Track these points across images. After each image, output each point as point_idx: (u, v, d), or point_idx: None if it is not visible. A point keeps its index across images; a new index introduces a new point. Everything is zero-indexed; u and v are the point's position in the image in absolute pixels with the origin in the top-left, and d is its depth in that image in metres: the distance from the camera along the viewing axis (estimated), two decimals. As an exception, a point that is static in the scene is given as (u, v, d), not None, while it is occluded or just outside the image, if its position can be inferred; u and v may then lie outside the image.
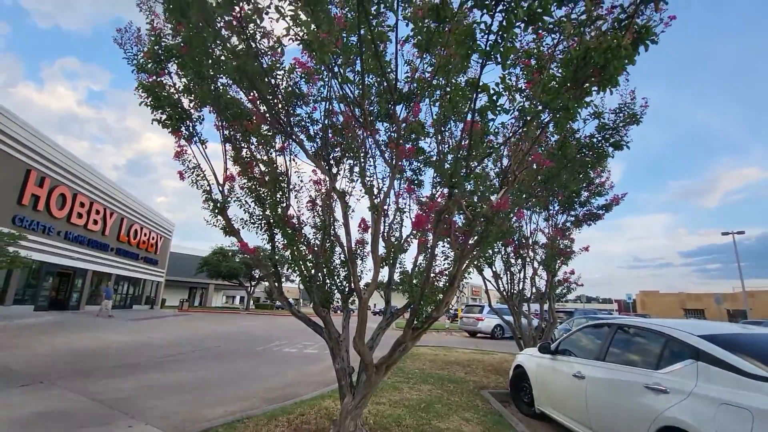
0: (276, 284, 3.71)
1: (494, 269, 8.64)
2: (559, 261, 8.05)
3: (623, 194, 7.84)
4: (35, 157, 18.99)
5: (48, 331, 13.00)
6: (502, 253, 8.48)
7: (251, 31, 2.22)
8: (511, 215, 2.61)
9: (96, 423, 4.26)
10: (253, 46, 2.29)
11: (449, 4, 1.59)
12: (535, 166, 3.18)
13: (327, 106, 4.08)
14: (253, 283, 41.57)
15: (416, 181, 4.70)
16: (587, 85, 1.73)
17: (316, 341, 12.27)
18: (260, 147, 4.07)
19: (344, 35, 2.52)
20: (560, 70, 1.78)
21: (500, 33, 1.52)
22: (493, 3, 1.49)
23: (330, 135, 4.16)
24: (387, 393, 5.62)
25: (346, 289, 3.99)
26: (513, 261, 8.53)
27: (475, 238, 2.56)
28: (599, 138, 3.71)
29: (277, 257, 3.69)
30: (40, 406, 4.72)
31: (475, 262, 8.42)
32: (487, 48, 1.58)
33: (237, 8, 1.97)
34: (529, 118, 2.03)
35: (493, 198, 2.59)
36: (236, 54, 2.28)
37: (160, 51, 3.17)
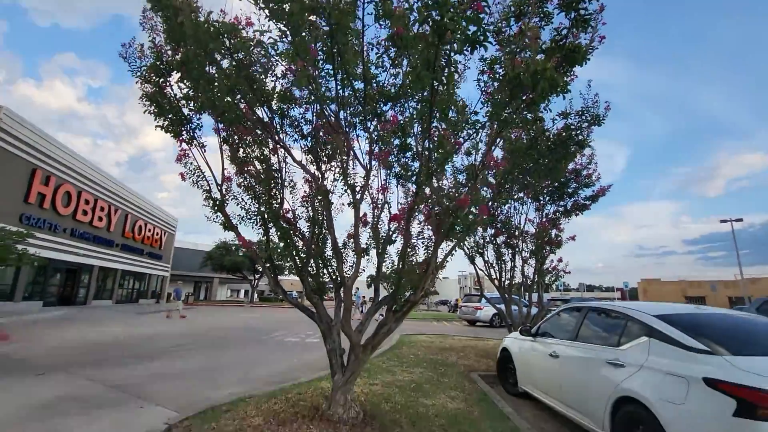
0: (272, 274, 4.04)
1: (486, 259, 8.98)
2: (547, 250, 8.37)
3: (608, 186, 8.13)
4: (40, 156, 19.38)
5: (58, 325, 13.49)
6: (493, 243, 8.81)
7: (241, 56, 2.53)
8: (474, 210, 2.90)
9: (110, 405, 4.64)
10: (243, 67, 2.60)
11: (408, 33, 1.88)
12: (493, 165, 3.50)
13: (317, 109, 4.39)
14: (256, 276, 42.18)
15: (404, 176, 5.00)
16: (525, 99, 2.03)
17: (316, 331, 12.67)
18: (255, 147, 4.39)
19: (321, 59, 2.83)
20: (500, 88, 2.08)
21: (447, 59, 1.82)
22: (437, 37, 1.78)
23: (321, 134, 4.47)
24: (381, 375, 5.99)
25: (338, 279, 4.33)
26: (504, 251, 8.86)
27: (444, 229, 2.88)
28: (565, 137, 4.00)
29: (271, 250, 4.02)
30: (57, 391, 5.12)
31: (465, 251, 8.76)
32: (434, 74, 1.89)
33: (227, 41, 2.28)
34: (478, 127, 2.34)
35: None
36: (229, 76, 2.59)
37: (161, 65, 3.48)
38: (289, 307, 33.49)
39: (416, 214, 3.74)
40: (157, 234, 34.00)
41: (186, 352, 8.62)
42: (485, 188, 4.86)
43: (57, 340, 9.82)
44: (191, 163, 3.92)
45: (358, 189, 3.63)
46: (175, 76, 3.34)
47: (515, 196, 8.02)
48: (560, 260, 8.73)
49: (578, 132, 4.00)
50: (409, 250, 3.44)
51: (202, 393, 5.19)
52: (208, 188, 3.93)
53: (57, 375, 6.03)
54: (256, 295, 45.21)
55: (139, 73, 3.59)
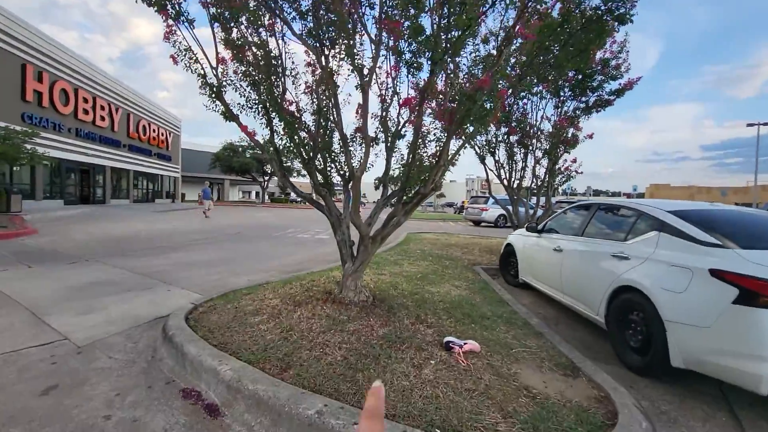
0: (278, 168, 3.96)
1: (497, 158, 8.76)
2: (561, 149, 8.08)
3: (637, 78, 7.43)
4: (28, 50, 18.20)
5: (81, 221, 14.17)
6: (506, 142, 8.49)
7: None
8: (493, 93, 2.62)
9: (139, 288, 5.03)
10: None
11: None
12: (520, 41, 3.07)
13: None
14: (266, 178, 42.75)
15: (415, 64, 4.54)
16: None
17: (326, 229, 13.16)
18: (250, 26, 3.92)
19: None
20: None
21: None
22: None
23: (323, 11, 3.94)
24: (389, 267, 6.32)
25: (347, 174, 4.25)
26: (516, 150, 8.58)
27: (458, 117, 2.67)
28: (603, 10, 3.42)
29: (276, 143, 3.86)
30: (90, 277, 5.53)
31: (476, 150, 8.52)
32: None
33: None
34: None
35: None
36: None
37: None
38: (299, 207, 34.55)
39: (427, 109, 3.44)
40: (163, 134, 33.57)
41: (204, 246, 9.12)
42: (503, 80, 4.42)
43: (82, 234, 10.39)
44: (181, 43, 3.55)
45: (366, 71, 3.30)
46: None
47: (534, 90, 7.46)
48: (574, 160, 8.48)
49: (620, 3, 3.40)
50: (419, 142, 3.26)
51: (222, 279, 5.57)
52: (203, 72, 3.63)
53: (87, 264, 6.48)
54: (267, 197, 46.39)
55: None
